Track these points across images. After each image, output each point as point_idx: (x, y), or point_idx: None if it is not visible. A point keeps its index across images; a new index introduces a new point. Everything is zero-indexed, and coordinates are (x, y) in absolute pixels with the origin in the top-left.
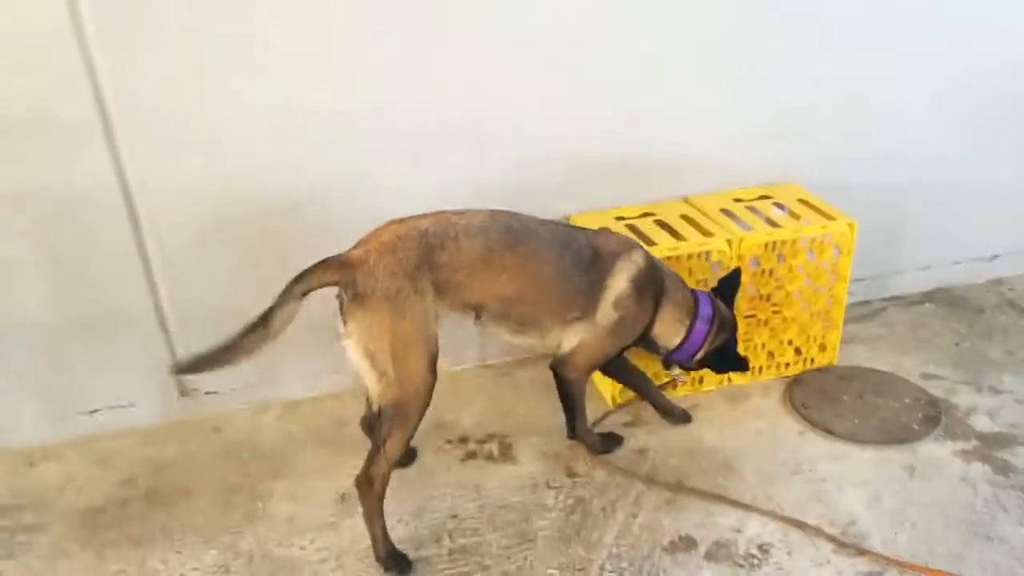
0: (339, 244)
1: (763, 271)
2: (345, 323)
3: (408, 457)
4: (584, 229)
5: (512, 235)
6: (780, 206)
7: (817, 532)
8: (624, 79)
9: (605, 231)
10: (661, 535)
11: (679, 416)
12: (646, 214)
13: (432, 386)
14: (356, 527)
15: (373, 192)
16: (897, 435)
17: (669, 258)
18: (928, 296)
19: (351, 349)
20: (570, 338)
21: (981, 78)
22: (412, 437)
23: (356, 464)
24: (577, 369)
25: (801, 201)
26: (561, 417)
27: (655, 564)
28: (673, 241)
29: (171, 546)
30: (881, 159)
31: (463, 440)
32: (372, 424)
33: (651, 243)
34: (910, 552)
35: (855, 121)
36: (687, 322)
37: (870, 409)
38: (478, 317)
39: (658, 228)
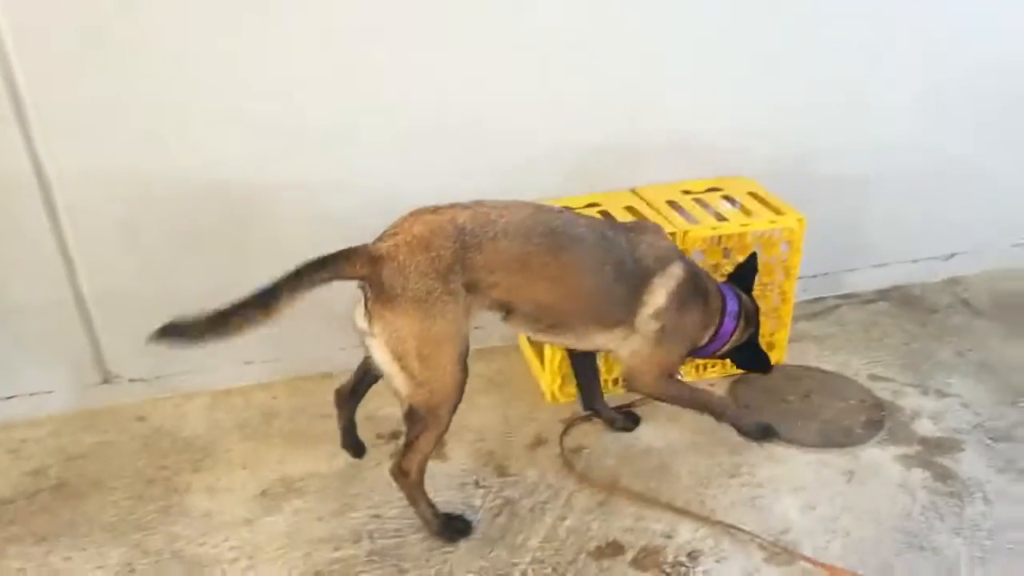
0: (261, 231)
1: (709, 265)
2: (371, 322)
3: (358, 450)
4: (628, 230)
5: (555, 239)
6: (729, 199)
7: (750, 539)
8: (581, 70)
9: (651, 232)
10: (588, 540)
11: (622, 424)
12: (591, 204)
13: (463, 385)
14: (274, 524)
15: (296, 177)
16: (838, 439)
17: None
18: (883, 294)
19: (377, 349)
20: (620, 344)
21: (945, 71)
22: (445, 433)
23: (281, 458)
24: (649, 385)
25: (751, 194)
26: (498, 409)
27: (579, 570)
28: None
29: (76, 543)
30: (837, 153)
31: (394, 436)
32: (351, 394)
33: None
34: (841, 560)
35: (810, 114)
36: (716, 320)
37: (814, 410)
38: (507, 315)
39: (601, 218)
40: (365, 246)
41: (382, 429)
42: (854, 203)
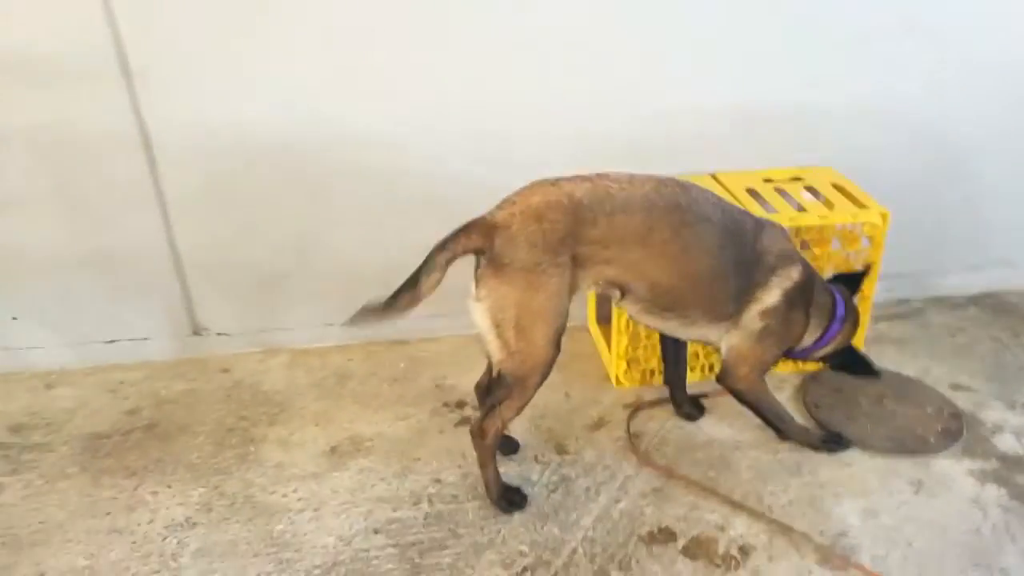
0: (344, 197)
1: None
2: (477, 286)
3: (510, 447)
4: (755, 217)
5: (679, 215)
6: (812, 190)
7: (804, 539)
8: (647, 54)
9: (772, 226)
10: (641, 524)
11: (688, 410)
12: None
13: (553, 361)
14: (340, 480)
15: (379, 148)
16: (910, 446)
17: None
18: (974, 300)
19: (479, 313)
20: (721, 337)
21: None
22: (527, 404)
23: (352, 418)
24: (742, 380)
25: (835, 186)
26: (561, 388)
27: (629, 553)
28: None
29: (163, 479)
30: (932, 147)
31: (460, 405)
32: (489, 387)
33: None
34: (900, 573)
35: (900, 106)
36: (824, 324)
37: (886, 415)
38: (623, 296)
39: None
40: (483, 216)
41: (449, 398)
42: (948, 201)
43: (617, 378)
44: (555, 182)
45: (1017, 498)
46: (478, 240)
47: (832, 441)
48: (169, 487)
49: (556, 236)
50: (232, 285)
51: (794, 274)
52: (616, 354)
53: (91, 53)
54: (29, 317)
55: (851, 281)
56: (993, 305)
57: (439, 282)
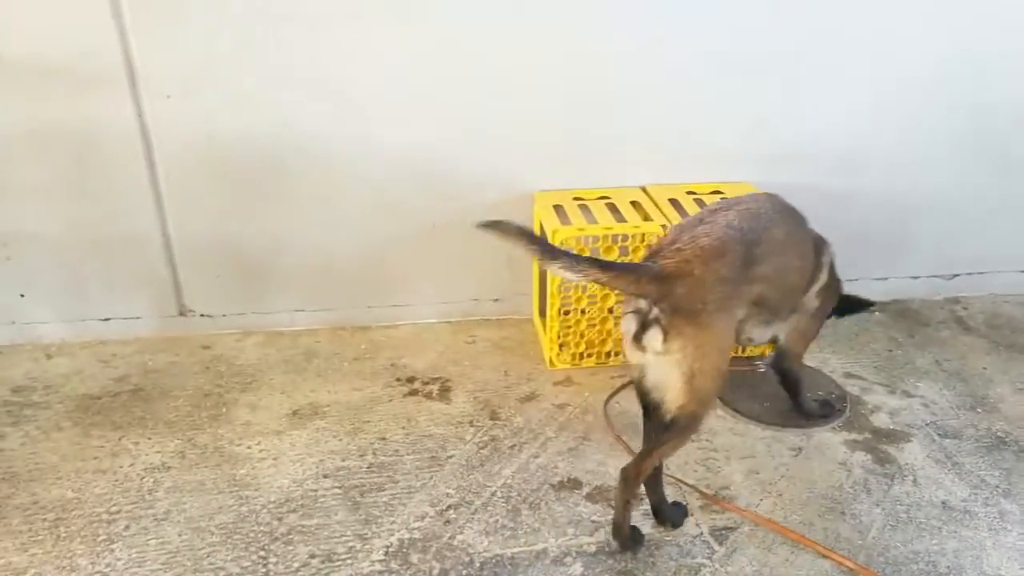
0: (318, 198)
1: None
2: (666, 339)
3: (679, 515)
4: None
5: (794, 219)
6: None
7: (691, 490)
8: (596, 74)
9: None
10: (554, 475)
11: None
12: (602, 197)
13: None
14: (298, 436)
15: (348, 154)
16: (797, 421)
17: (607, 236)
18: (882, 306)
19: (668, 365)
20: (785, 330)
21: (960, 96)
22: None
23: (314, 388)
24: (796, 359)
25: None
26: (501, 368)
27: (540, 497)
28: (613, 221)
29: (144, 433)
30: (848, 165)
31: (410, 380)
32: (648, 432)
33: (594, 221)
34: (767, 514)
35: (823, 124)
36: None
37: (783, 396)
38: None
39: (607, 210)
40: (649, 266)
41: (401, 375)
42: (861, 215)
43: (551, 360)
44: (704, 221)
45: (878, 462)
46: (648, 287)
47: (826, 408)
48: (149, 439)
49: (737, 268)
50: (216, 272)
51: (831, 249)
52: (550, 338)
53: (97, 58)
54: (35, 295)
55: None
56: (896, 311)
57: (564, 279)
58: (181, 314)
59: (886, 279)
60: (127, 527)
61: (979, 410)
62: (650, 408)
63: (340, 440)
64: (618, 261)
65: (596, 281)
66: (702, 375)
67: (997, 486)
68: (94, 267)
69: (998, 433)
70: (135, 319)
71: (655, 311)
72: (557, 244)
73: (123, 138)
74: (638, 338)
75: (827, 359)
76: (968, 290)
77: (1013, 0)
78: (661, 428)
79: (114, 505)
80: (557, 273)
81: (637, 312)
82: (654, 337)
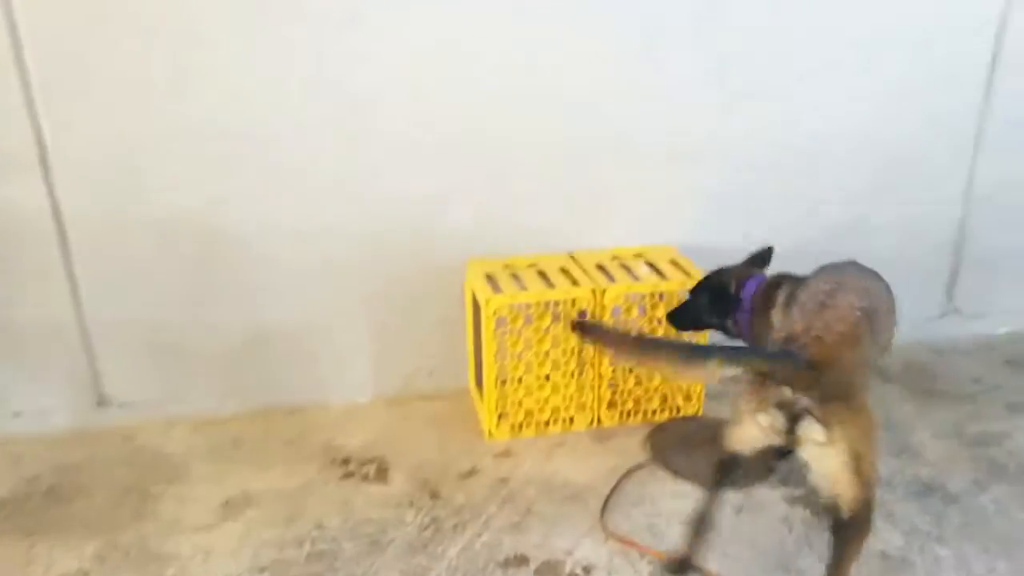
0: (254, 268)
1: (626, 320)
2: (828, 428)
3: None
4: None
5: (884, 286)
6: (649, 264)
7: (638, 556)
8: (523, 139)
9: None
10: (499, 552)
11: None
12: (532, 264)
13: None
14: (231, 529)
15: (278, 227)
16: (737, 481)
17: (539, 303)
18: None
19: (834, 456)
20: None
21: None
22: None
23: (245, 476)
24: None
25: (671, 262)
26: (439, 444)
27: None
28: (544, 288)
29: (59, 537)
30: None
31: (345, 461)
32: (837, 535)
33: (525, 288)
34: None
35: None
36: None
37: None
38: None
39: (537, 276)
40: (798, 357)
41: (336, 456)
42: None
43: (489, 431)
44: (827, 303)
45: (817, 515)
46: (802, 377)
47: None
48: (64, 543)
49: (867, 348)
50: (138, 358)
51: None
52: (488, 409)
53: (6, 138)
54: None
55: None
56: None
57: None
58: (100, 404)
59: None
60: None
61: (904, 456)
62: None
63: (276, 529)
64: (764, 348)
65: (755, 370)
66: (867, 460)
67: (929, 532)
68: (2, 357)
69: (923, 479)
70: (48, 412)
71: (804, 401)
72: (490, 313)
73: (33, 219)
74: (791, 431)
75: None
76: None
77: None
78: (839, 530)
79: None
80: (708, 372)
81: (782, 405)
82: (812, 429)
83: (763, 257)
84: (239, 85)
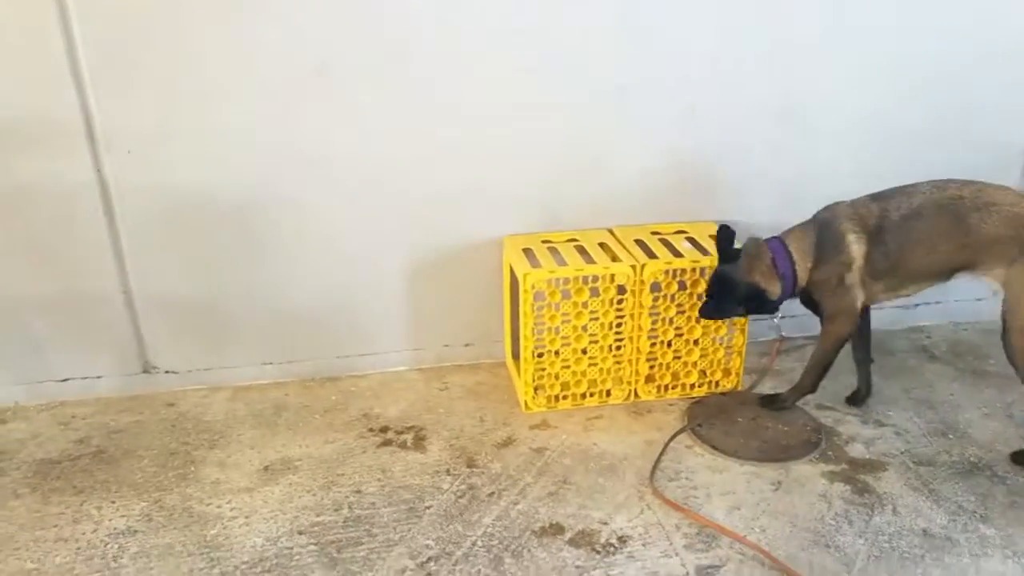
0: (282, 250)
1: (665, 296)
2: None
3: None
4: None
5: None
6: (691, 240)
7: (675, 529)
8: (564, 125)
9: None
10: (535, 521)
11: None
12: (571, 240)
13: None
14: (271, 493)
15: (321, 196)
16: (775, 455)
17: (577, 278)
18: None
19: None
20: None
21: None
22: None
23: (285, 442)
24: None
25: (712, 237)
26: (476, 414)
27: (522, 544)
28: (582, 262)
29: (107, 497)
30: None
31: (383, 430)
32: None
33: (564, 263)
34: (751, 551)
35: (785, 163)
36: None
37: (759, 431)
38: None
39: (576, 252)
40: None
41: (374, 425)
42: None
43: (526, 403)
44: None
45: (857, 493)
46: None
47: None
48: (113, 503)
49: None
50: (181, 327)
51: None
52: (524, 381)
53: (55, 113)
54: None
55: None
56: None
57: None
58: (144, 371)
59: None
60: None
61: (950, 436)
62: None
63: (314, 495)
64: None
65: None
66: None
67: (974, 511)
68: (50, 326)
69: (971, 458)
70: (96, 379)
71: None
72: (528, 287)
73: (82, 194)
74: None
75: None
76: (929, 319)
77: None
78: None
79: (77, 575)
80: None
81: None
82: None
83: (729, 240)
84: (288, 56)
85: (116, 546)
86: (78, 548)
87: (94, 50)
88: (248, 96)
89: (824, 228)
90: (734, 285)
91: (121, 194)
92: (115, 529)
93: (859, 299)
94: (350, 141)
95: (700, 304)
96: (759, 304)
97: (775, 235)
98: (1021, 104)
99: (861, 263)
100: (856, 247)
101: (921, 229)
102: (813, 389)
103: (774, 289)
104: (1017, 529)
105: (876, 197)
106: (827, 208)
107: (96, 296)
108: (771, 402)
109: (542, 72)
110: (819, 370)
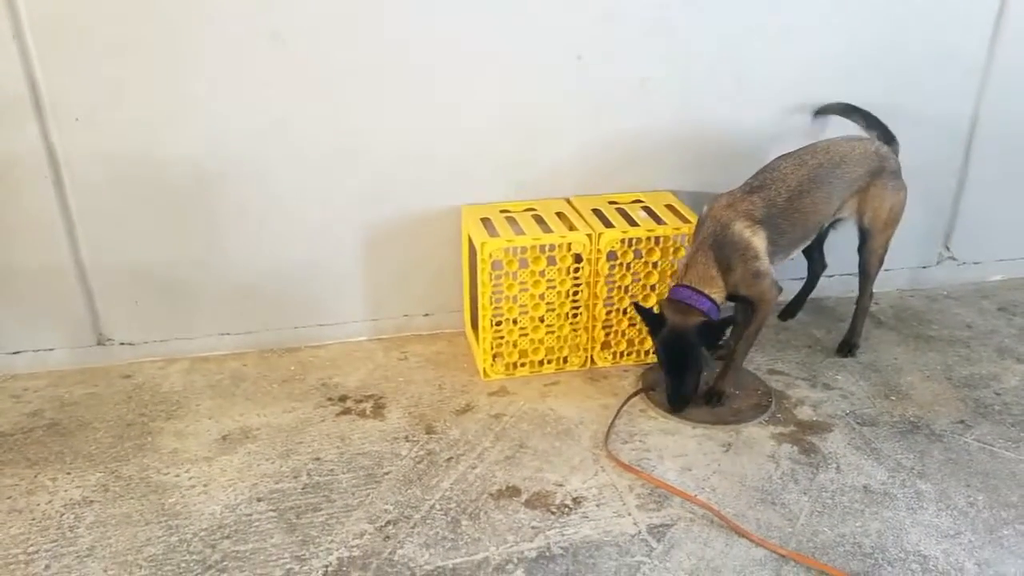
0: (238, 219)
1: (620, 264)
2: None
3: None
4: None
5: None
6: (647, 209)
7: (628, 489)
8: (524, 92)
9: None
10: (492, 484)
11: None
12: (528, 209)
13: None
14: (228, 462)
15: (276, 164)
16: (726, 418)
17: (534, 246)
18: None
19: None
20: None
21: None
22: None
23: (243, 412)
24: None
25: (668, 207)
26: (435, 382)
27: (479, 507)
28: (540, 232)
29: (62, 468)
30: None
31: (342, 399)
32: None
33: (521, 232)
34: (701, 510)
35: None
36: None
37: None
38: None
39: (533, 221)
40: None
41: (332, 394)
42: None
43: (484, 371)
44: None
45: (804, 453)
46: None
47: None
48: (68, 474)
49: None
50: (136, 298)
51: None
52: (483, 349)
53: (2, 87)
54: None
55: None
56: (813, 308)
57: None
58: (99, 343)
59: (802, 278)
60: (47, 566)
61: (892, 398)
62: None
63: (273, 463)
64: None
65: None
66: None
67: (912, 468)
68: (1, 298)
69: (911, 419)
70: (48, 351)
71: None
72: (486, 256)
73: (29, 163)
74: None
75: (752, 357)
76: (878, 286)
77: None
78: None
79: (32, 545)
80: None
81: None
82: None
83: (647, 311)
84: (242, 20)
85: (72, 516)
86: (32, 519)
87: (39, 16)
88: (200, 62)
89: (718, 241)
90: (685, 340)
91: (70, 163)
92: (71, 500)
93: (772, 271)
94: (306, 110)
95: (668, 394)
96: (712, 336)
97: (676, 284)
98: None
99: (765, 246)
100: (756, 239)
101: (807, 201)
102: (741, 366)
103: (711, 319)
104: (951, 484)
105: (749, 191)
106: (707, 222)
107: (47, 267)
108: (716, 398)
109: (498, 42)
110: (749, 347)
